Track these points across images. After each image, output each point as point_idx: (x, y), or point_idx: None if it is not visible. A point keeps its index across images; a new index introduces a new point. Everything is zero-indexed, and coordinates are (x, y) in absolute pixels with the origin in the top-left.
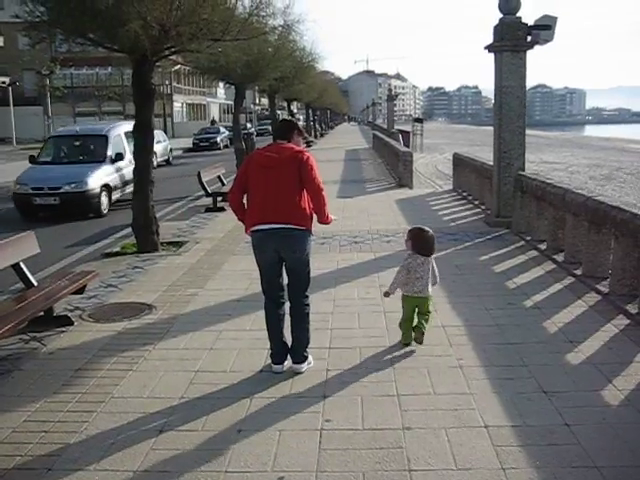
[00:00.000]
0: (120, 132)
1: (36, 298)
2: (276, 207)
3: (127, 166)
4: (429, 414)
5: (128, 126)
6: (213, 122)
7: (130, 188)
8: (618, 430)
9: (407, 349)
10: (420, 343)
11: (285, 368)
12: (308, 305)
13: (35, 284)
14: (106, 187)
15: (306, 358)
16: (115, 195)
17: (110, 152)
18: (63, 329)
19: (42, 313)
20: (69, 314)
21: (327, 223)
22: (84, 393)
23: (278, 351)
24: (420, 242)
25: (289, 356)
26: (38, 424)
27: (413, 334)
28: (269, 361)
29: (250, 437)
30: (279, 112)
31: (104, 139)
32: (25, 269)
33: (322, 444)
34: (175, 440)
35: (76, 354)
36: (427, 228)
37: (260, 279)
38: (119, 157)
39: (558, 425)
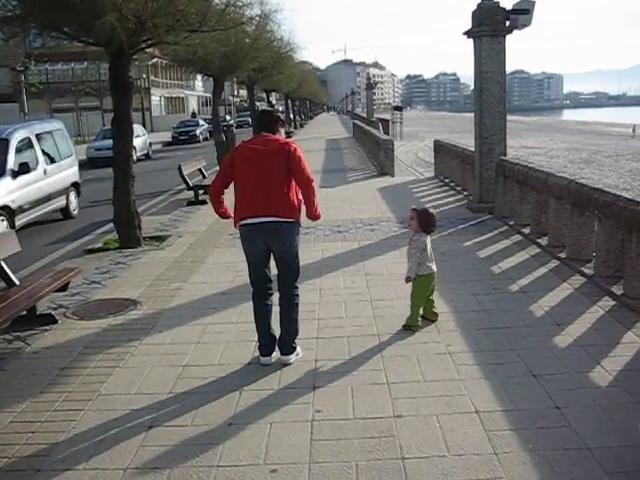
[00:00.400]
0: (29, 135)
1: (18, 297)
2: (265, 200)
3: (40, 179)
4: (420, 401)
5: (41, 126)
6: (194, 115)
7: (48, 207)
8: (608, 411)
9: (396, 336)
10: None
11: (273, 360)
12: (297, 295)
13: (17, 283)
14: (5, 210)
15: (294, 349)
16: (21, 219)
17: (11, 162)
18: (47, 327)
19: (25, 312)
20: (53, 312)
21: (316, 217)
22: (70, 392)
23: (266, 343)
24: (426, 220)
25: (277, 348)
26: (25, 425)
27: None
28: (257, 353)
29: (241, 430)
30: (258, 103)
31: (3, 145)
32: (6, 268)
33: (314, 435)
34: (165, 436)
35: (61, 352)
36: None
37: (248, 271)
38: (25, 168)
39: (549, 408)
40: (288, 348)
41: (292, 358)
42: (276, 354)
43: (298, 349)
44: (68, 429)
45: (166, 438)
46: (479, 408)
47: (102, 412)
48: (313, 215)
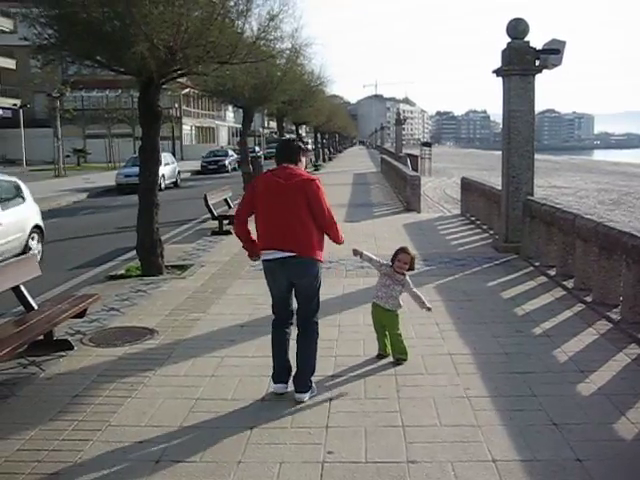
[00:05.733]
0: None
1: (36, 321)
2: (283, 235)
3: None
4: (435, 447)
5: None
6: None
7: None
8: (632, 467)
9: (413, 377)
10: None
11: (288, 390)
12: (316, 330)
13: (35, 307)
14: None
15: (310, 387)
16: None
17: None
18: (63, 353)
19: (42, 337)
20: (70, 338)
21: (339, 242)
22: (80, 421)
23: (281, 370)
24: (413, 261)
25: (292, 384)
26: (32, 453)
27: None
28: (271, 389)
29: (250, 469)
30: (288, 135)
31: None
32: (25, 292)
33: (324, 478)
34: (172, 471)
35: (74, 379)
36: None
37: (272, 302)
38: None
39: (570, 460)
40: (303, 386)
41: (306, 396)
42: (290, 387)
43: (313, 386)
44: (74, 460)
45: (173, 474)
46: (496, 457)
47: (110, 443)
48: (337, 242)
